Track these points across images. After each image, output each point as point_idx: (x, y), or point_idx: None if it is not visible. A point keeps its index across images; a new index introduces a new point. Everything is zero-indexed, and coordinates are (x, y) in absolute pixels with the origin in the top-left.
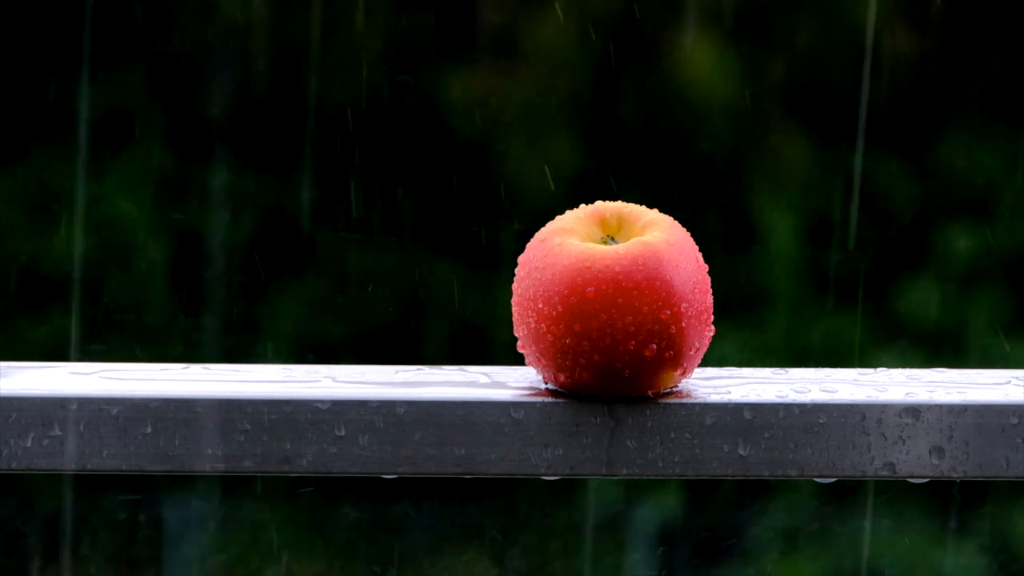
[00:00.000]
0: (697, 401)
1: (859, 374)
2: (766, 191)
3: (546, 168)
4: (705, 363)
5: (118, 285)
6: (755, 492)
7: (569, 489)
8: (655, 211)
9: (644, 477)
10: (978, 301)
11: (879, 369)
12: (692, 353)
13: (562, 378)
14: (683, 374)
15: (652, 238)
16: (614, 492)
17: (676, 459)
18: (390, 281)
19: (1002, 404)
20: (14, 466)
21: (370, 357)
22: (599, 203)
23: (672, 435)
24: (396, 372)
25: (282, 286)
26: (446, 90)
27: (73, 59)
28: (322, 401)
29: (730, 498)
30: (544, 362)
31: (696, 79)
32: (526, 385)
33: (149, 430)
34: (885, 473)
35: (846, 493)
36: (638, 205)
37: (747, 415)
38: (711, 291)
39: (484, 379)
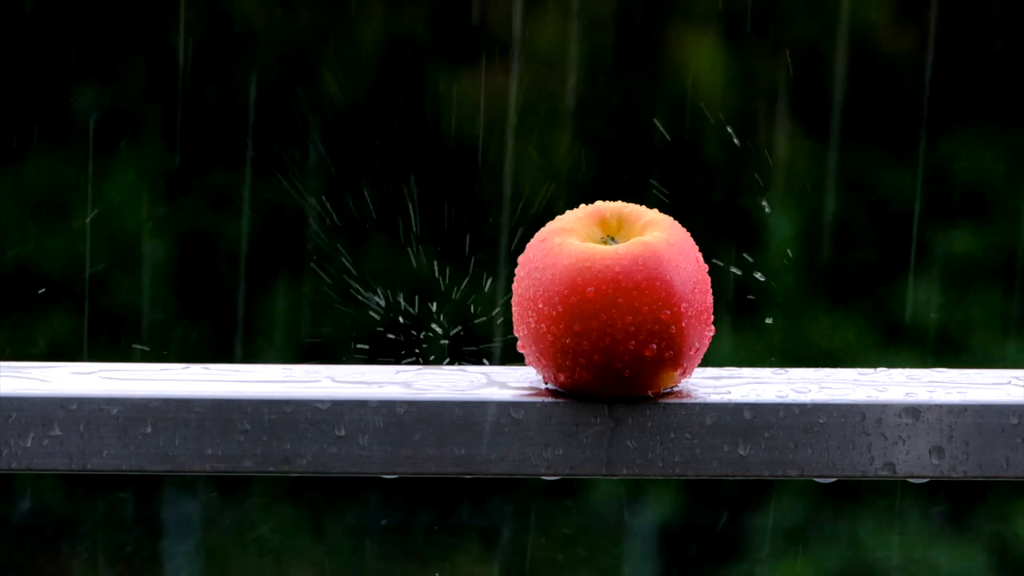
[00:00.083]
0: (697, 401)
1: (859, 374)
2: (766, 191)
3: (546, 168)
4: (705, 363)
5: (118, 285)
6: (755, 492)
7: (569, 489)
8: (655, 211)
9: (644, 477)
10: (978, 301)
11: (879, 369)
12: (692, 353)
13: (562, 378)
14: (683, 374)
15: (652, 238)
16: (614, 492)
17: (676, 459)
18: (390, 281)
19: (1002, 404)
20: (14, 466)
21: (370, 357)
22: (599, 203)
23: (672, 435)
24: (396, 372)
25: (282, 286)
26: (446, 90)
27: (73, 59)
28: (322, 401)
29: (730, 498)
30: (544, 362)
31: (696, 78)
32: (526, 385)
33: (149, 430)
34: (885, 473)
35: (846, 493)
36: (638, 205)
37: (747, 415)
38: (711, 291)
39: (484, 379)
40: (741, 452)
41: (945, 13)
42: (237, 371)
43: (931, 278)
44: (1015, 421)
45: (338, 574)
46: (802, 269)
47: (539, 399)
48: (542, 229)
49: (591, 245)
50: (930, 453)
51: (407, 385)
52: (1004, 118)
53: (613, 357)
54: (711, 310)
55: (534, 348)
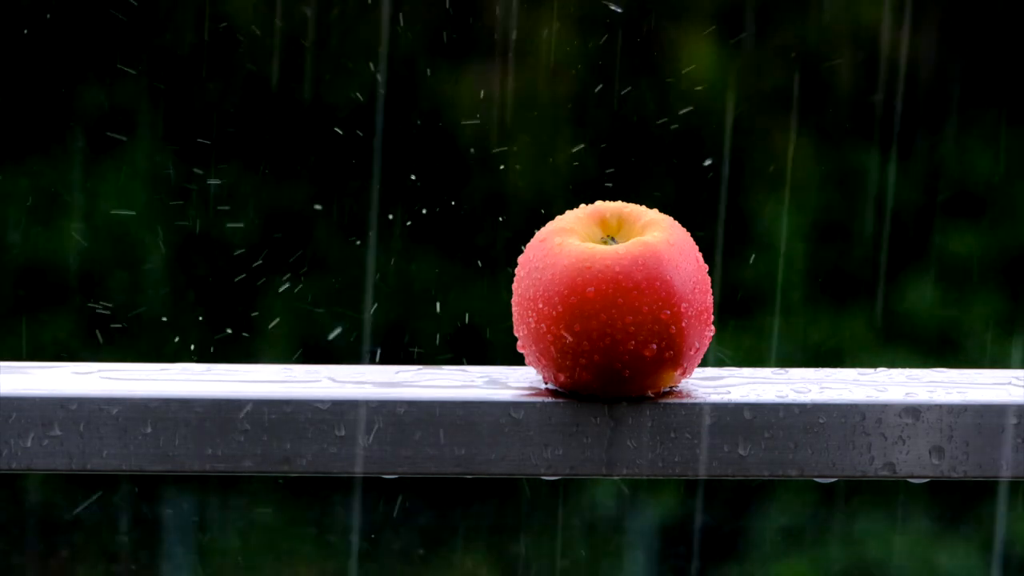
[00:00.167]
0: (697, 401)
1: (859, 374)
2: (766, 191)
3: (546, 168)
4: (705, 363)
5: (118, 285)
6: (755, 492)
7: (569, 489)
8: (655, 211)
9: (644, 477)
10: (978, 301)
11: (879, 369)
12: (692, 353)
13: (562, 378)
14: (683, 374)
15: (652, 238)
16: (614, 492)
17: (676, 459)
18: (389, 281)
19: (1002, 404)
20: (14, 466)
21: (370, 357)
22: (599, 203)
23: (672, 435)
24: (396, 372)
25: (282, 286)
26: (446, 89)
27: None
28: (322, 401)
29: (730, 498)
30: (544, 362)
31: (697, 78)
32: (526, 385)
33: (149, 430)
34: (885, 473)
35: (846, 493)
36: (638, 205)
37: (747, 415)
38: (711, 291)
39: (484, 379)
40: (741, 452)
41: (945, 12)
42: (237, 371)
43: (931, 278)
44: (1015, 421)
45: (338, 574)
46: (802, 269)
47: (539, 399)
48: (542, 229)
49: (591, 245)
50: (930, 453)
51: (407, 385)
52: (1006, 118)
53: (613, 357)
54: (711, 310)
55: (534, 348)
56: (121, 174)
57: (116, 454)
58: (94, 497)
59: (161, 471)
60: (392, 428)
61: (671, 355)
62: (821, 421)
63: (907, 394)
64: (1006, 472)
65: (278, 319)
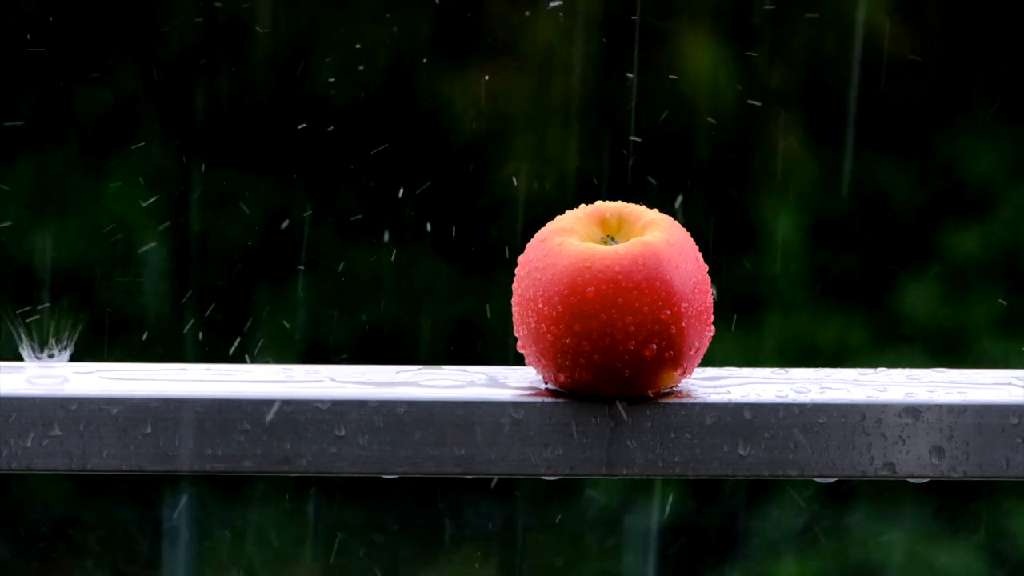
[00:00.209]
0: (697, 401)
1: (859, 374)
2: (767, 191)
3: (546, 168)
4: (705, 363)
5: (118, 285)
6: (755, 492)
7: (569, 489)
8: (655, 211)
9: (644, 477)
10: (978, 301)
11: (879, 369)
12: (692, 353)
13: (562, 378)
14: (683, 374)
15: (652, 238)
16: (614, 492)
17: (676, 459)
18: (389, 281)
19: (1002, 404)
20: (14, 466)
21: (369, 357)
22: (599, 203)
23: (672, 435)
24: (396, 372)
25: (282, 286)
26: (446, 89)
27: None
28: (322, 401)
29: (730, 498)
30: (544, 362)
31: (697, 79)
32: (526, 385)
33: (149, 430)
34: (885, 473)
35: (845, 493)
36: (638, 205)
37: (747, 415)
38: (711, 291)
39: (484, 379)
40: (741, 452)
41: (947, 12)
42: (237, 371)
43: (931, 278)
44: (1015, 421)
45: (338, 574)
46: (803, 269)
47: (539, 399)
48: (542, 229)
49: (591, 245)
50: (930, 453)
51: (407, 385)
52: (1006, 118)
53: (613, 357)
54: (711, 310)
55: (534, 348)
56: (121, 174)
57: (116, 454)
58: (94, 497)
59: (161, 471)
60: (392, 428)
61: (671, 355)
62: (821, 421)
63: (907, 394)
64: (1006, 472)
65: (278, 319)
